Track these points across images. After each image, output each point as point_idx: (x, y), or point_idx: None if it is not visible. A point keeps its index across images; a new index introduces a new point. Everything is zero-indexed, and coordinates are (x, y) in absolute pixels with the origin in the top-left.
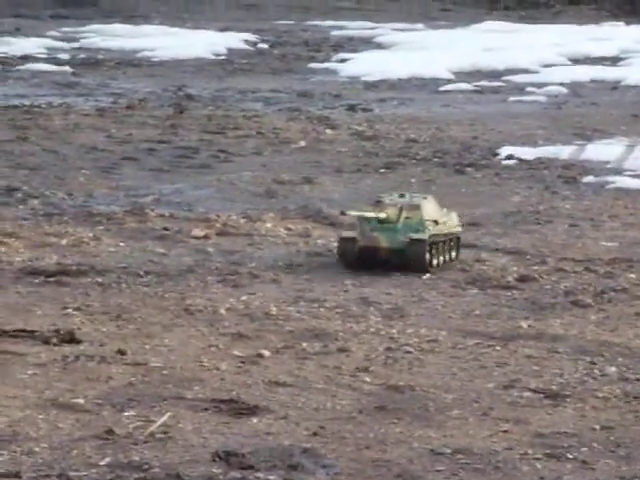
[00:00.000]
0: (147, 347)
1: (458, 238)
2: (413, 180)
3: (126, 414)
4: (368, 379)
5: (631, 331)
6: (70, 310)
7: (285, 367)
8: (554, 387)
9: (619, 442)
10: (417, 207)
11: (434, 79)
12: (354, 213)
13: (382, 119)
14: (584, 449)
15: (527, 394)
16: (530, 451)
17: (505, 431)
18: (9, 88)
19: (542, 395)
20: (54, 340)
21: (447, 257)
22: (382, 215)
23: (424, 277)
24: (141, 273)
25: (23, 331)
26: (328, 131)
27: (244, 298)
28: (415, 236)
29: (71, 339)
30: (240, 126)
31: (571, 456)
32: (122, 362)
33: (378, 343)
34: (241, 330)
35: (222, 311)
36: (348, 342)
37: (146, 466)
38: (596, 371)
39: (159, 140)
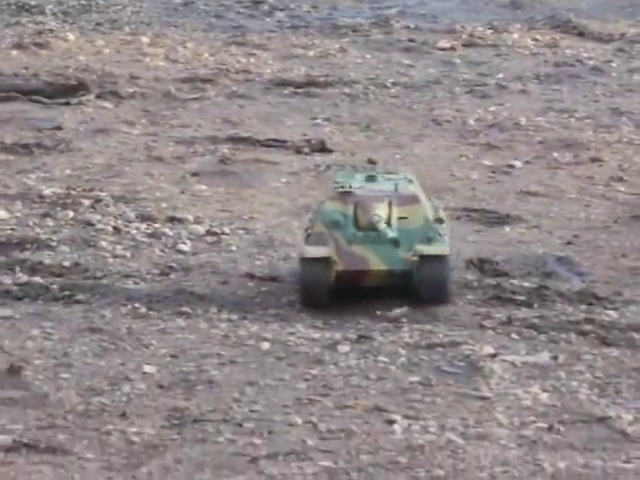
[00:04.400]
0: (397, 157)
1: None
2: None
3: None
4: (622, 189)
5: None
6: (320, 120)
7: (536, 177)
8: None
9: None
10: (414, 199)
11: None
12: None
13: None
14: None
15: None
16: None
17: None
18: None
19: None
20: (305, 149)
21: None
22: (382, 227)
23: None
24: (388, 84)
25: (275, 140)
26: None
27: (492, 109)
28: (429, 250)
29: (322, 148)
30: None
31: None
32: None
33: (632, 153)
34: (491, 141)
35: (471, 122)
36: (601, 152)
37: None
38: None
39: None
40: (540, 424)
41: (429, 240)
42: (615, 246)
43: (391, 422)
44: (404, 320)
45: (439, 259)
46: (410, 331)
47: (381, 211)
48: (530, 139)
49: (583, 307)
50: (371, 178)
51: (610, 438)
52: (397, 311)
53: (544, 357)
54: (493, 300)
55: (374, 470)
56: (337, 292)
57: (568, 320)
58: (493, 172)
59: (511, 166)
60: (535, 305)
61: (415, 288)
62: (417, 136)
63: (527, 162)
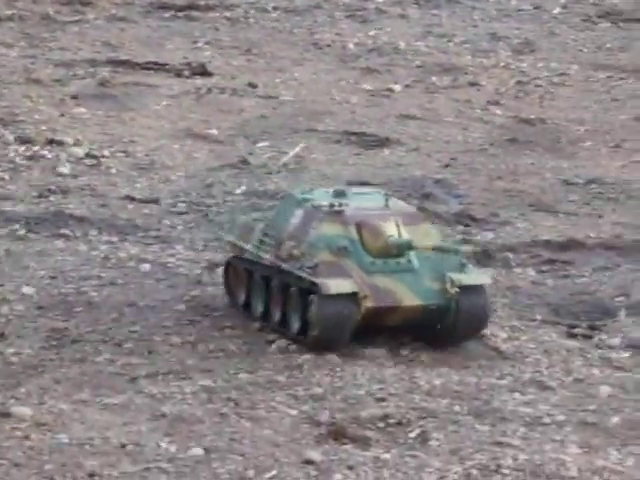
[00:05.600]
0: (278, 81)
1: None
2: None
3: (259, 145)
4: (499, 112)
5: None
6: (200, 44)
7: (415, 101)
8: None
9: None
10: (420, 217)
11: None
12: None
13: None
14: None
15: None
16: None
17: (638, 161)
18: None
19: None
20: (186, 72)
21: None
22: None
23: (554, 11)
24: (269, 8)
25: (155, 64)
26: None
27: (372, 33)
28: (470, 279)
29: (203, 72)
30: None
31: None
32: (254, 95)
33: (508, 77)
34: (370, 65)
35: (351, 46)
36: (478, 76)
37: (281, 194)
38: None
39: None
40: (417, 343)
41: (461, 267)
42: (491, 168)
43: (270, 342)
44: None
45: (481, 289)
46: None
47: (392, 232)
48: (409, 63)
49: (460, 228)
50: (340, 194)
51: (484, 355)
52: None
53: None
54: None
55: (253, 389)
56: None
57: None
58: (372, 96)
59: (390, 90)
60: None
61: (450, 324)
62: (298, 60)
63: (406, 86)
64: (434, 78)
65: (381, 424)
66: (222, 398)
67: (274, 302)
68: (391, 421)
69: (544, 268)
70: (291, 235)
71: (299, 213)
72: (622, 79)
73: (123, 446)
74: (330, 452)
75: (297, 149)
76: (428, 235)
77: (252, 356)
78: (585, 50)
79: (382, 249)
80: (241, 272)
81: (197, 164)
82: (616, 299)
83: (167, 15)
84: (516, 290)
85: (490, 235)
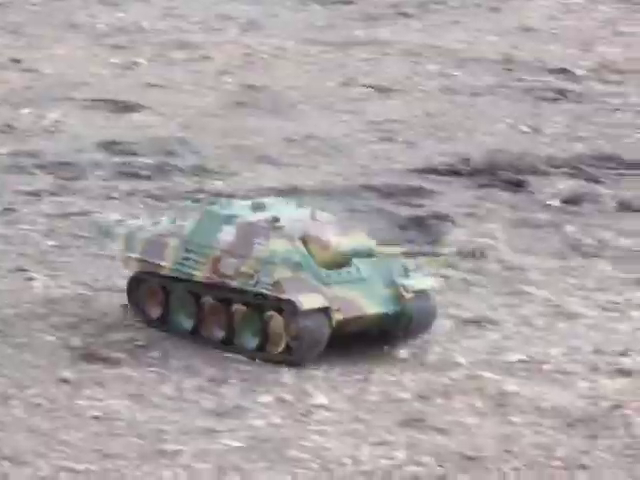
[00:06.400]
0: (39, 56)
1: None
2: None
3: (23, 111)
4: (229, 80)
5: (449, 36)
6: None
7: (158, 72)
8: (385, 83)
9: (439, 126)
10: (351, 225)
11: None
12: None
13: None
14: (411, 132)
15: (362, 90)
16: (366, 136)
17: (345, 121)
18: None
19: (375, 90)
20: None
21: None
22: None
23: None
24: None
25: None
26: None
27: (120, 15)
28: (420, 284)
29: None
30: None
31: (400, 139)
32: (18, 69)
33: (236, 51)
34: (118, 42)
35: (101, 26)
36: (211, 51)
37: (41, 154)
38: (420, 69)
39: None
40: None
41: (406, 272)
42: (223, 128)
43: (30, 279)
44: (44, 195)
45: (429, 293)
46: (49, 203)
47: (336, 243)
48: (151, 40)
49: (196, 179)
50: (259, 206)
51: None
52: (38, 186)
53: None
54: (120, 175)
55: (16, 319)
56: None
57: (185, 190)
58: (121, 68)
59: (136, 63)
60: (157, 179)
61: (403, 328)
62: (56, 38)
63: (149, 60)
64: (173, 53)
65: (128, 346)
66: None
67: (211, 320)
68: (137, 344)
69: None
70: (228, 252)
71: (230, 229)
72: (329, 52)
73: None
74: (82, 371)
75: (55, 115)
76: (364, 241)
77: (15, 294)
78: (300, 28)
79: (331, 260)
80: (156, 289)
81: None
82: None
83: None
84: None
85: (220, 184)
